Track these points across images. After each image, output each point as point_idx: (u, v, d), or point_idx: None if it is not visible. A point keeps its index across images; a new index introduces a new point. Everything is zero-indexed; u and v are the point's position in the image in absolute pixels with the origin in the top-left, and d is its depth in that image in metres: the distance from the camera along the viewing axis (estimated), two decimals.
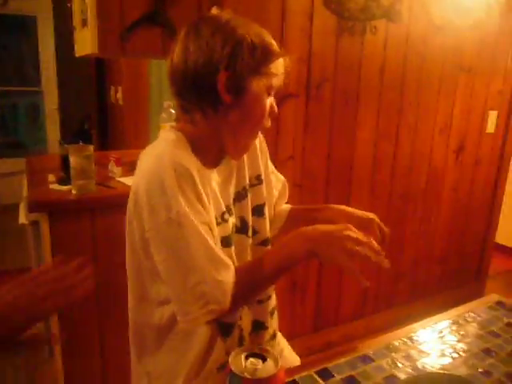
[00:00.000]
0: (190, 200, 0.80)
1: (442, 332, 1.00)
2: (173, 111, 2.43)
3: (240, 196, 0.98)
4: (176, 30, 1.64)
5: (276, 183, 1.13)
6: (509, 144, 2.83)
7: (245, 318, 1.00)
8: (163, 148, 0.85)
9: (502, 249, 3.57)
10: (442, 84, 2.43)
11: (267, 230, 1.04)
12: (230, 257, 0.90)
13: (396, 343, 0.95)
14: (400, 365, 0.87)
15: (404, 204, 2.51)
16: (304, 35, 1.93)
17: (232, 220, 0.94)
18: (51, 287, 0.64)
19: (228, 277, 0.83)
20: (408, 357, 0.90)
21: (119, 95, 3.33)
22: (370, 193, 2.35)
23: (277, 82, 0.89)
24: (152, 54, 1.74)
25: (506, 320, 1.05)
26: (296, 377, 0.82)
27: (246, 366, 0.58)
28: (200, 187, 0.83)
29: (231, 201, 0.96)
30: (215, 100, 0.85)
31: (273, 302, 1.07)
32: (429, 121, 2.45)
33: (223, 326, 0.95)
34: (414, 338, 0.97)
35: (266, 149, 1.09)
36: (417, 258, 2.70)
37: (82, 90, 3.89)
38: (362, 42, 2.07)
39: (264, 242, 1.03)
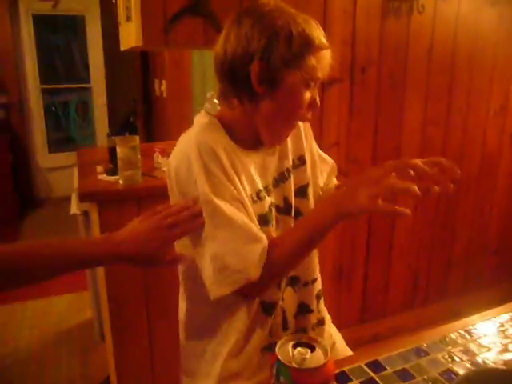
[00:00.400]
0: (216, 176, 0.83)
1: (503, 325, 0.94)
2: (216, 101, 2.45)
3: (283, 177, 0.98)
4: (218, 20, 1.64)
5: (323, 165, 1.11)
6: None
7: (289, 300, 0.99)
8: (193, 132, 0.89)
9: None
10: (496, 63, 2.29)
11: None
12: (268, 236, 0.90)
13: (453, 336, 0.89)
14: (457, 359, 0.82)
15: (455, 191, 2.40)
16: (347, 17, 1.87)
17: (270, 200, 0.94)
18: (174, 218, 0.83)
19: (256, 248, 0.83)
20: (466, 351, 0.85)
21: (163, 88, 3.38)
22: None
23: (318, 74, 0.87)
24: (194, 44, 1.75)
25: None
26: (345, 368, 0.79)
27: (293, 356, 0.56)
28: (227, 164, 0.85)
29: (271, 181, 0.96)
30: (250, 89, 0.86)
31: (318, 285, 1.05)
32: (482, 103, 2.33)
33: (265, 305, 0.95)
34: (473, 331, 0.92)
35: (310, 132, 1.07)
36: (470, 247, 2.58)
37: (128, 84, 3.98)
38: (409, 22, 1.99)
39: None
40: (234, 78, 0.87)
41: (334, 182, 1.15)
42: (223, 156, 0.85)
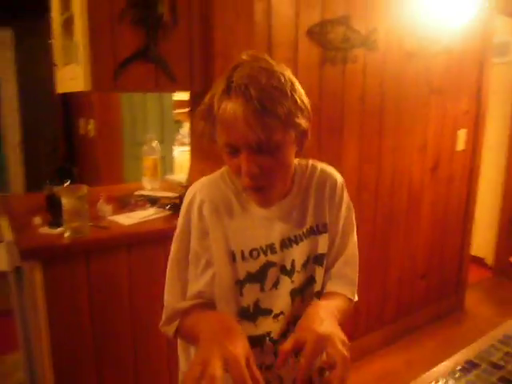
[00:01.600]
0: (191, 232, 0.93)
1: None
2: (154, 144, 2.39)
3: (298, 238, 0.95)
4: (168, 66, 1.63)
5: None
6: (477, 160, 2.97)
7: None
8: (200, 182, 0.98)
9: (474, 259, 3.70)
10: (417, 106, 2.52)
11: (322, 281, 0.99)
12: (253, 293, 0.93)
13: None
14: None
15: (388, 224, 2.56)
16: (290, 66, 1.94)
17: (270, 258, 0.93)
18: None
19: (172, 305, 0.95)
20: None
21: (90, 127, 3.24)
22: (357, 215, 2.37)
23: (227, 137, 0.82)
24: (145, 88, 1.72)
25: None
26: None
27: None
28: (212, 224, 0.91)
29: (280, 240, 0.94)
30: None
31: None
32: (407, 142, 2.54)
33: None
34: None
35: (339, 198, 1.01)
36: (402, 275, 2.75)
37: (48, 122, 3.76)
38: (344, 70, 2.13)
39: (318, 294, 0.99)
40: None
41: (334, 287, 1.02)
42: (208, 213, 0.92)
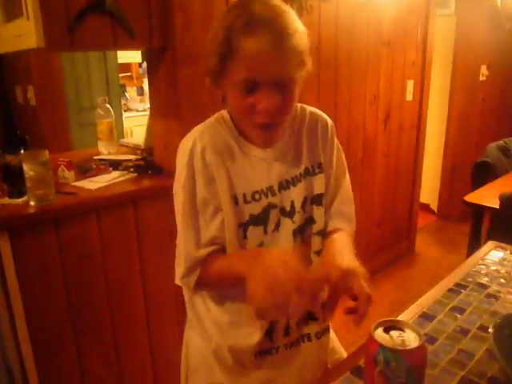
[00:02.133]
0: (191, 179, 0.91)
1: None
2: (108, 106, 2.28)
3: (295, 180, 0.96)
4: (126, 19, 1.54)
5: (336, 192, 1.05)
6: (424, 109, 3.11)
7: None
8: (198, 129, 0.95)
9: (421, 206, 3.93)
10: (368, 59, 2.57)
11: (323, 220, 1.00)
12: (257, 236, 0.93)
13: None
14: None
15: None
16: None
17: (271, 200, 0.94)
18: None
19: (192, 254, 0.91)
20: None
21: (30, 95, 3.02)
22: None
23: (243, 77, 0.82)
24: (103, 45, 1.61)
25: None
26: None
27: (393, 340, 0.58)
28: (215, 168, 0.90)
29: (278, 182, 0.95)
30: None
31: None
32: (360, 94, 2.60)
33: None
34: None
35: (332, 139, 1.04)
36: (359, 224, 2.86)
37: None
38: (300, 21, 2.11)
39: (320, 232, 1.00)
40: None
41: (336, 224, 1.04)
42: (213, 160, 0.90)
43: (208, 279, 0.93)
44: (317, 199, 0.99)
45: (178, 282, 0.96)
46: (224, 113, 0.97)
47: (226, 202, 0.90)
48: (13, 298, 1.45)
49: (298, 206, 0.97)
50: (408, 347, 0.58)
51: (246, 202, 0.92)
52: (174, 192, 0.96)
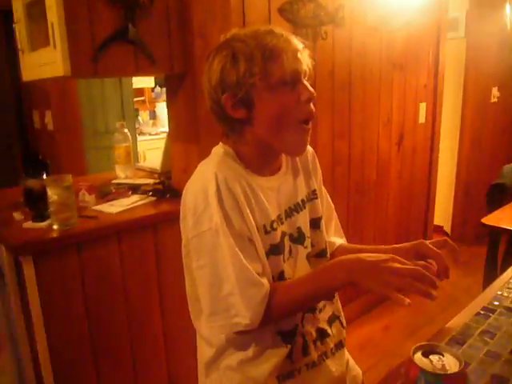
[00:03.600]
0: (229, 213, 0.86)
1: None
2: (126, 131, 2.33)
3: (298, 207, 1.00)
4: (147, 47, 1.58)
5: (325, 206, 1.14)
6: (437, 132, 3.12)
7: (308, 325, 1.00)
8: (211, 163, 0.93)
9: (435, 228, 3.90)
10: (381, 81, 2.60)
11: (324, 241, 1.06)
12: (278, 264, 0.94)
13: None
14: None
15: (360, 196, 2.65)
16: None
17: (282, 229, 0.96)
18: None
19: (257, 294, 0.85)
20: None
21: (47, 120, 3.09)
22: (332, 189, 2.44)
23: (287, 72, 0.87)
24: (125, 72, 1.67)
25: None
26: None
27: (433, 364, 0.58)
28: (242, 200, 0.88)
29: (284, 210, 0.98)
30: (234, 119, 0.91)
31: (329, 310, 1.07)
32: (373, 116, 2.62)
33: (283, 334, 0.96)
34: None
35: (318, 166, 1.11)
36: (374, 244, 2.85)
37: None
38: (315, 47, 2.16)
39: (320, 254, 1.05)
40: (219, 117, 0.94)
41: (338, 241, 1.15)
42: (239, 191, 0.88)
43: (275, 312, 0.87)
44: (314, 223, 1.04)
45: (230, 326, 0.87)
46: (226, 147, 0.96)
47: (255, 233, 0.89)
48: (35, 320, 1.46)
49: (306, 231, 1.00)
50: (449, 371, 0.57)
51: (266, 232, 0.92)
52: (193, 234, 0.88)
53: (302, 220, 1.00)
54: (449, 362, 0.59)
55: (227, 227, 0.85)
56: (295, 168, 1.04)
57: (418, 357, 0.61)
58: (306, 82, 0.90)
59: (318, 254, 1.05)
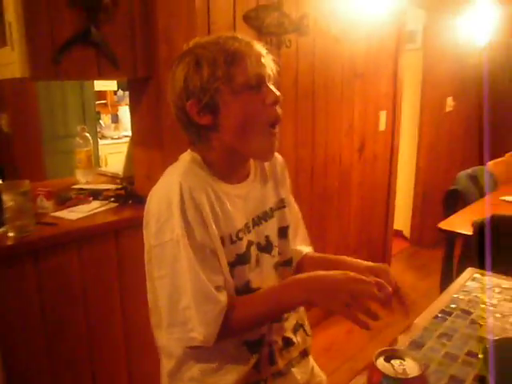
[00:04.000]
0: (191, 225, 0.85)
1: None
2: (87, 135, 2.27)
3: (266, 216, 1.01)
4: (111, 49, 1.55)
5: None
6: (396, 139, 3.22)
7: (274, 335, 1.00)
8: (176, 171, 0.91)
9: (395, 232, 4.02)
10: (343, 90, 2.66)
11: (289, 251, 1.07)
12: (244, 274, 0.94)
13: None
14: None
15: (323, 203, 2.69)
16: None
17: (249, 238, 0.95)
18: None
19: (212, 311, 0.84)
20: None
21: (3, 122, 2.97)
22: (295, 196, 2.45)
23: (255, 72, 0.88)
24: (88, 75, 1.62)
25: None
26: None
27: (394, 369, 0.60)
28: (207, 211, 0.87)
29: (251, 219, 0.98)
30: (199, 126, 0.91)
31: (293, 319, 1.07)
32: (336, 125, 2.67)
33: (249, 344, 0.96)
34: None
35: (287, 175, 1.12)
36: (337, 250, 2.91)
37: None
38: (279, 54, 2.18)
39: (287, 263, 1.06)
40: (183, 124, 0.94)
41: (305, 249, 1.15)
42: (204, 201, 0.87)
43: (232, 328, 0.87)
44: (282, 232, 1.05)
45: (187, 340, 0.86)
46: (194, 154, 0.95)
47: (218, 243, 0.88)
48: None
49: (274, 240, 1.01)
50: (410, 375, 0.59)
51: (232, 242, 0.91)
52: (155, 243, 0.87)
53: (270, 228, 1.01)
54: (410, 366, 0.61)
55: (188, 239, 0.84)
56: (264, 175, 1.04)
57: (381, 362, 0.63)
58: (271, 86, 0.91)
59: (284, 263, 1.05)
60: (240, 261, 0.92)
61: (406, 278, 3.58)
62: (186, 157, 0.95)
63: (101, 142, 4.20)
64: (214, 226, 0.87)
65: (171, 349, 0.96)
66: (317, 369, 1.17)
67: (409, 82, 3.60)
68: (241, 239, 0.93)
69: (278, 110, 0.92)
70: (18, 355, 1.46)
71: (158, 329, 0.97)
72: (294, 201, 1.16)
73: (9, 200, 1.43)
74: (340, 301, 0.79)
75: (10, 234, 1.44)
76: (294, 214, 1.13)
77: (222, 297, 0.86)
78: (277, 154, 1.08)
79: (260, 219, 0.99)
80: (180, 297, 0.84)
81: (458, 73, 3.99)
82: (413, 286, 3.40)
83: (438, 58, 3.72)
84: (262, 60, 0.89)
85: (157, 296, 0.90)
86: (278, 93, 0.91)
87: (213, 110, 0.89)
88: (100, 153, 4.00)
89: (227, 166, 0.95)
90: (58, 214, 1.67)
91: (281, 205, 1.06)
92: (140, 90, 1.75)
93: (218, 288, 0.85)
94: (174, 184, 0.86)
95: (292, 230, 1.09)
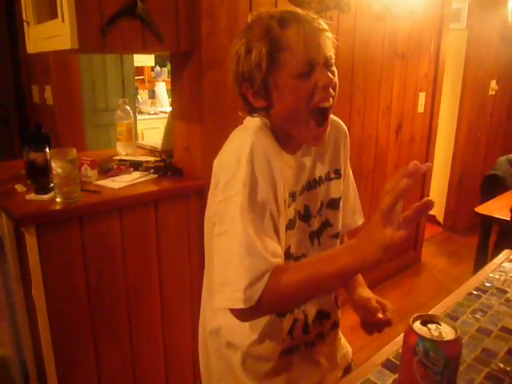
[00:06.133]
0: (260, 182, 0.83)
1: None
2: (128, 108, 2.33)
3: (311, 185, 0.99)
4: (155, 24, 1.59)
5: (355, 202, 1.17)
6: (435, 121, 3.15)
7: (309, 306, 1.03)
8: (249, 132, 0.89)
9: (428, 217, 3.96)
10: (382, 70, 2.62)
11: (340, 223, 1.06)
12: (288, 239, 0.95)
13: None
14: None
15: (358, 182, 2.67)
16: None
17: (294, 206, 0.96)
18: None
19: (260, 265, 0.77)
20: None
21: (47, 94, 3.07)
22: None
23: (301, 61, 0.84)
24: (132, 49, 1.66)
25: None
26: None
27: (431, 332, 0.62)
28: (276, 171, 0.85)
29: (299, 188, 0.98)
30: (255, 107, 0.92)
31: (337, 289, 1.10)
32: (374, 105, 2.64)
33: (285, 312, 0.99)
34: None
35: (348, 146, 1.10)
36: None
37: None
38: None
39: (336, 235, 1.06)
40: (242, 98, 0.94)
41: (359, 220, 1.16)
42: (273, 163, 0.86)
43: (278, 293, 0.78)
44: (333, 203, 1.04)
45: (232, 300, 0.78)
46: (263, 119, 0.93)
47: (282, 206, 0.87)
48: (35, 291, 1.48)
49: (314, 210, 1.00)
50: (445, 338, 0.61)
51: (288, 206, 0.92)
52: (221, 198, 0.84)
53: (313, 198, 1.00)
54: (445, 331, 0.63)
55: (250, 193, 0.81)
56: (320, 147, 1.00)
57: (417, 325, 0.65)
58: (324, 69, 0.86)
59: (334, 235, 1.05)
60: (289, 226, 0.94)
61: (438, 262, 3.55)
62: (256, 119, 0.93)
63: (138, 117, 4.29)
64: (282, 186, 0.87)
65: (217, 309, 0.98)
66: (344, 340, 1.20)
67: (450, 63, 3.49)
68: (290, 205, 0.95)
69: (331, 92, 0.88)
70: (61, 314, 1.55)
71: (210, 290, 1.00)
72: (351, 172, 1.15)
73: (57, 167, 1.50)
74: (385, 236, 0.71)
75: (58, 200, 1.52)
76: (351, 186, 1.14)
77: (271, 255, 0.79)
78: (341, 124, 1.08)
79: (304, 188, 0.99)
80: (236, 254, 0.79)
81: (503, 55, 3.85)
82: (444, 271, 3.38)
83: (483, 38, 3.59)
84: (320, 41, 0.86)
85: (213, 258, 0.86)
86: (330, 76, 0.86)
87: (266, 95, 0.89)
88: (137, 127, 4.09)
89: (285, 137, 0.94)
90: (101, 182, 1.74)
91: (334, 175, 1.03)
92: (182, 63, 1.78)
93: (266, 250, 0.79)
94: (246, 141, 0.85)
95: (345, 202, 1.08)
